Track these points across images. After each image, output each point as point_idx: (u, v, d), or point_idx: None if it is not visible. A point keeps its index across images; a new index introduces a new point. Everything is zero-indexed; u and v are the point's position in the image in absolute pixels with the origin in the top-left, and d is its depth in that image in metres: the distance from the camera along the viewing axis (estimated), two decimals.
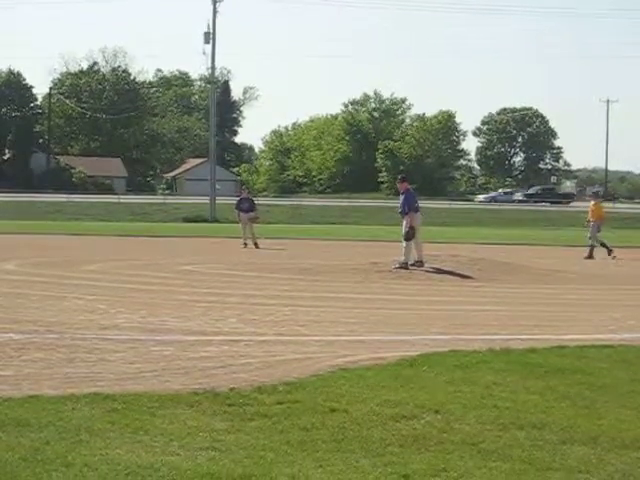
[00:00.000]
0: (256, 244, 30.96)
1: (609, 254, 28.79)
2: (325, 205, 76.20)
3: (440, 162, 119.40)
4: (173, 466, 6.09)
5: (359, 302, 16.03)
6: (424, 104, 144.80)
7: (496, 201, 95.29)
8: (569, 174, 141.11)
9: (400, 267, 21.20)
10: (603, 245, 29.42)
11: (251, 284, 18.86)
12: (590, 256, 28.85)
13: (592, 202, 31.36)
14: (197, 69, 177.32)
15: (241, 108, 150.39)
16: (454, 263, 22.49)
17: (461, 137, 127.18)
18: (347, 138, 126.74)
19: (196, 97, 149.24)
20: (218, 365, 9.62)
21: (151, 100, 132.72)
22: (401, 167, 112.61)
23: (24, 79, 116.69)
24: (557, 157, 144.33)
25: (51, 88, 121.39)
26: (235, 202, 34.17)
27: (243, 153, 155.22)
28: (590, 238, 29.69)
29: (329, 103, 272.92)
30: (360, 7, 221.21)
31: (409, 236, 21.65)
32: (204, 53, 63.97)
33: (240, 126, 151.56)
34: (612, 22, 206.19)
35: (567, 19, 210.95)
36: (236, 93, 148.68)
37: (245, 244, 31.01)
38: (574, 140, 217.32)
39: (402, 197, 22.40)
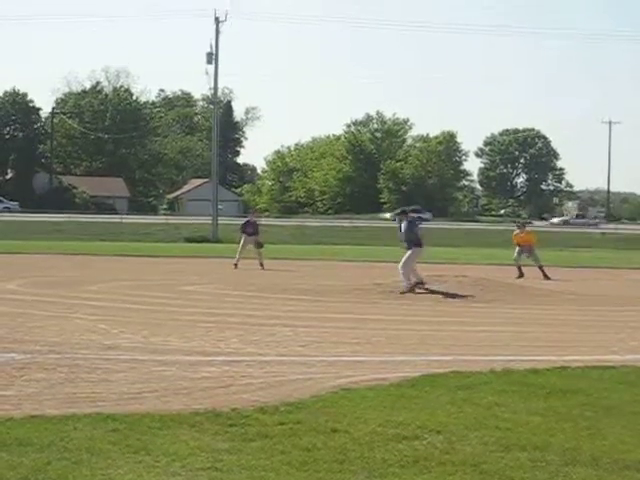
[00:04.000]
0: (262, 264, 30.80)
1: (519, 277, 28.48)
2: (328, 226, 76.23)
3: (442, 183, 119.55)
4: None
5: (361, 322, 16.01)
6: (426, 124, 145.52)
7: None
8: (571, 195, 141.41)
9: (408, 291, 21.08)
10: (520, 268, 29.26)
11: (252, 304, 18.85)
12: (521, 274, 28.72)
13: (519, 232, 31.15)
14: (200, 89, 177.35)
15: (243, 128, 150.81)
16: (457, 283, 22.48)
17: (463, 158, 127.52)
18: (349, 158, 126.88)
19: (199, 117, 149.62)
20: (219, 385, 9.62)
21: (154, 120, 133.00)
22: (403, 188, 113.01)
23: (31, 100, 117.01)
24: (559, 178, 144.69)
25: (54, 108, 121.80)
26: (241, 224, 33.85)
27: (245, 173, 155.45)
28: (529, 260, 29.75)
29: (331, 123, 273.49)
30: (362, 28, 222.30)
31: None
32: (207, 73, 64.08)
33: (242, 146, 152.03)
34: (615, 43, 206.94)
35: (570, 40, 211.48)
36: (238, 113, 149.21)
37: (235, 265, 30.75)
38: (576, 161, 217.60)
39: (405, 225, 22.29)
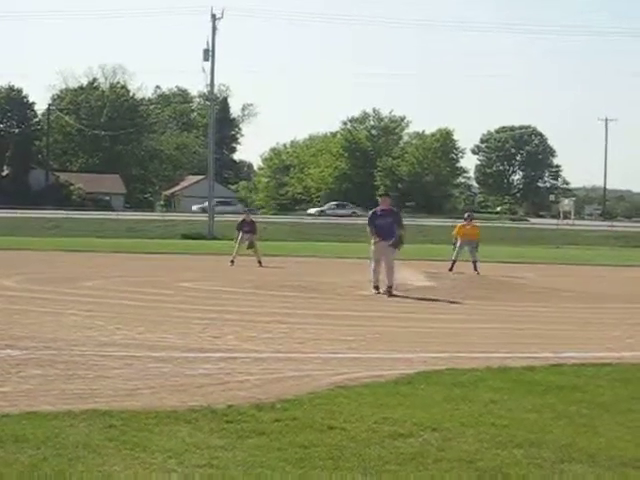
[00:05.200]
0: (260, 262, 30.75)
1: (450, 269, 27.98)
2: (324, 222, 76.24)
3: (439, 180, 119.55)
4: None
5: (357, 319, 16.02)
6: (423, 122, 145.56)
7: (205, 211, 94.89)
8: (568, 192, 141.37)
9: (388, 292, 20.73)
10: (454, 262, 28.58)
11: (249, 301, 18.85)
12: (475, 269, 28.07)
13: (466, 223, 30.37)
14: (196, 86, 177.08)
15: (240, 125, 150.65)
16: (452, 281, 22.52)
17: (460, 155, 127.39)
18: (346, 155, 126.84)
19: (195, 114, 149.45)
20: (215, 382, 9.61)
21: (150, 117, 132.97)
22: (399, 185, 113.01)
23: (25, 96, 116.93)
24: (556, 175, 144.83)
25: (50, 104, 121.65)
26: (237, 223, 33.74)
27: (242, 170, 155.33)
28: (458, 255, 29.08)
29: (328, 120, 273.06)
30: (359, 25, 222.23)
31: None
32: (203, 70, 64.17)
33: (239, 143, 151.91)
34: (611, 40, 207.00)
35: (566, 37, 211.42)
36: (235, 110, 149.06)
37: (232, 262, 30.69)
38: (573, 158, 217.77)
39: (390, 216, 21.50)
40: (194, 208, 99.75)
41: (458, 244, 29.15)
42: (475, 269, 27.89)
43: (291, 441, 7.14)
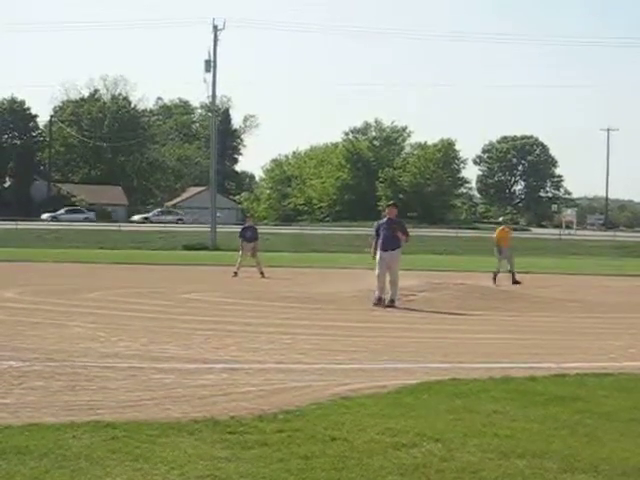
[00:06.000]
0: (262, 273, 30.65)
1: (516, 282, 27.73)
2: (326, 233, 76.21)
3: (440, 190, 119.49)
4: None
5: (359, 330, 16.01)
6: (425, 132, 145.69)
7: (59, 220, 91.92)
8: (570, 202, 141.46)
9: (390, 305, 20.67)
10: (513, 273, 28.22)
11: (251, 312, 18.84)
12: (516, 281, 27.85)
13: (503, 228, 29.93)
14: (198, 97, 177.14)
15: (242, 136, 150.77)
16: (456, 291, 22.48)
17: (462, 165, 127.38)
18: (348, 166, 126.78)
19: (197, 125, 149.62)
20: (218, 393, 9.61)
21: (152, 128, 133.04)
22: (401, 195, 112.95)
23: (27, 108, 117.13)
24: (557, 185, 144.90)
25: (52, 116, 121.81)
26: (239, 230, 33.81)
27: (244, 181, 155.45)
28: (503, 264, 28.58)
29: (330, 131, 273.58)
30: (360, 37, 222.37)
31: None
32: (205, 81, 64.16)
33: (240, 154, 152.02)
34: (612, 50, 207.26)
35: (568, 47, 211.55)
36: (237, 121, 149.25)
37: (235, 273, 30.55)
38: (575, 168, 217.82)
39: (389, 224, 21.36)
40: (44, 217, 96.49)
41: (503, 249, 28.55)
42: (494, 277, 27.68)
43: (293, 452, 7.13)
